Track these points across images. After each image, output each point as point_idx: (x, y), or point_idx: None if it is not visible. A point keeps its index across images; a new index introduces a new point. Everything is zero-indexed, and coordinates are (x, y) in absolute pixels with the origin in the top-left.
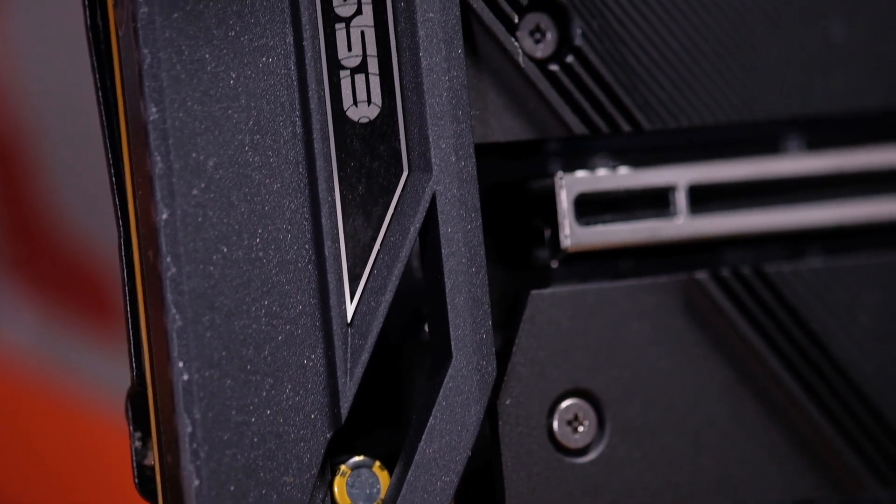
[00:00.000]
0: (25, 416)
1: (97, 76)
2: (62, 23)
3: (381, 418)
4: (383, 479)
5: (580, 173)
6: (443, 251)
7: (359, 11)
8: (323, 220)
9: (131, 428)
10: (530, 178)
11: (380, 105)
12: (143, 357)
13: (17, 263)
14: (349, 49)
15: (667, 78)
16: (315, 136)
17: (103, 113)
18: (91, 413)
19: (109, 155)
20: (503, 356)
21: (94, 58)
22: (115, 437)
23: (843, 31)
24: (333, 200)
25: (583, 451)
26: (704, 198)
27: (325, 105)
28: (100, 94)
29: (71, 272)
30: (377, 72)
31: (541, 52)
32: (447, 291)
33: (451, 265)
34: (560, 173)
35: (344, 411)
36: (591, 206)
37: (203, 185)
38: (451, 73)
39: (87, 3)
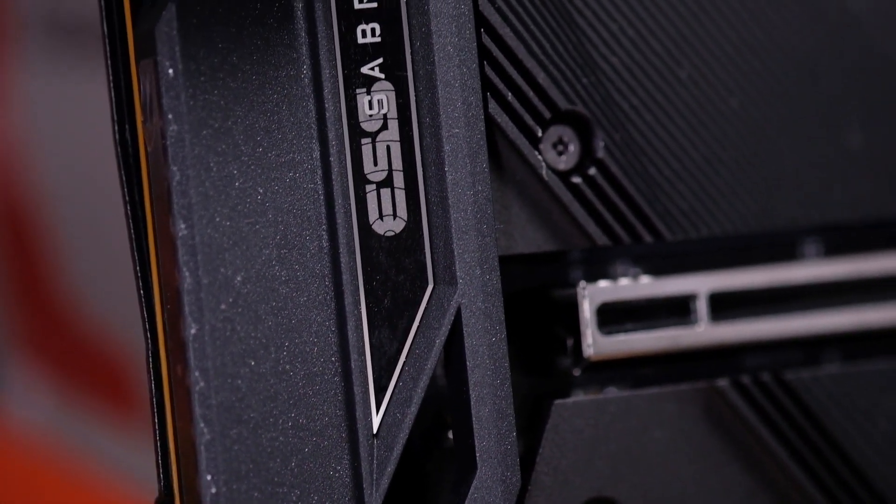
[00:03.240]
0: (39, 495)
1: (125, 190)
2: (83, 107)
3: None
4: None
5: (602, 283)
6: (468, 363)
7: (384, 127)
8: (349, 332)
9: None
10: (553, 287)
11: (405, 219)
12: (171, 467)
13: (34, 343)
14: (375, 164)
15: (687, 188)
16: (341, 249)
17: (132, 227)
18: (105, 493)
19: (138, 268)
20: (526, 464)
21: (123, 171)
22: None
23: (860, 140)
24: (360, 313)
25: None
26: (725, 305)
27: (352, 219)
28: (128, 207)
29: (87, 353)
30: (403, 186)
31: (563, 164)
32: (472, 404)
33: (476, 378)
34: (583, 283)
35: None
36: (613, 315)
37: (231, 300)
38: (476, 188)
39: (115, 117)
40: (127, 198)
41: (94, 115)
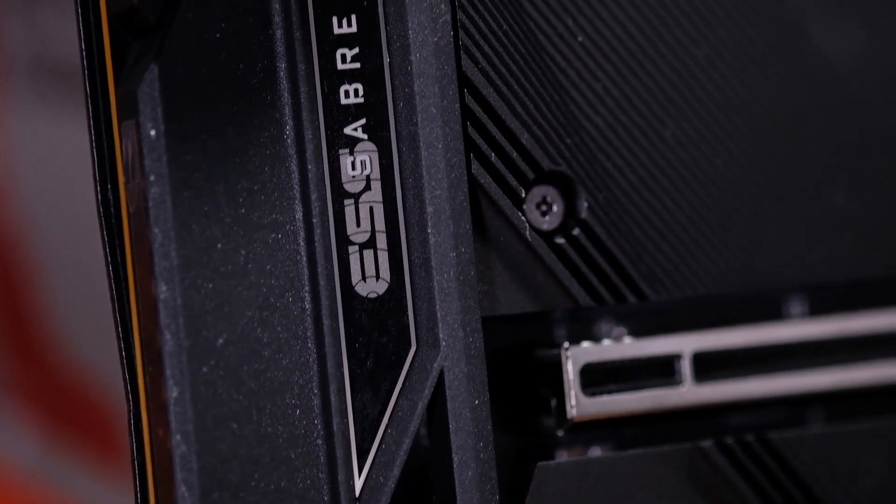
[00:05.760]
0: None
1: (107, 251)
2: (69, 150)
3: None
4: None
5: (586, 344)
6: (450, 426)
7: (367, 188)
8: (331, 395)
9: None
10: (536, 347)
11: (388, 280)
12: None
13: (20, 387)
14: (358, 225)
15: (671, 248)
16: (324, 311)
17: (114, 289)
18: None
19: (119, 330)
20: None
21: (105, 232)
22: None
23: (845, 199)
24: (342, 375)
25: None
26: (709, 365)
27: (334, 280)
28: (110, 268)
29: (73, 397)
30: (386, 247)
31: (547, 224)
32: (455, 467)
33: (459, 441)
34: (566, 344)
35: None
36: (597, 375)
37: (213, 363)
38: (459, 250)
39: (97, 178)
40: (109, 259)
41: (80, 159)
